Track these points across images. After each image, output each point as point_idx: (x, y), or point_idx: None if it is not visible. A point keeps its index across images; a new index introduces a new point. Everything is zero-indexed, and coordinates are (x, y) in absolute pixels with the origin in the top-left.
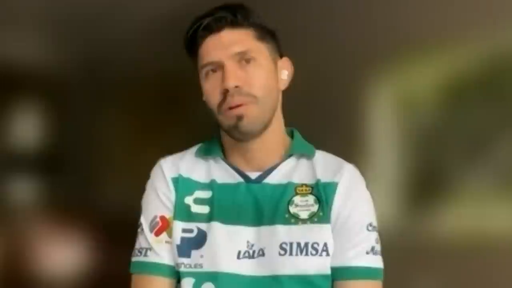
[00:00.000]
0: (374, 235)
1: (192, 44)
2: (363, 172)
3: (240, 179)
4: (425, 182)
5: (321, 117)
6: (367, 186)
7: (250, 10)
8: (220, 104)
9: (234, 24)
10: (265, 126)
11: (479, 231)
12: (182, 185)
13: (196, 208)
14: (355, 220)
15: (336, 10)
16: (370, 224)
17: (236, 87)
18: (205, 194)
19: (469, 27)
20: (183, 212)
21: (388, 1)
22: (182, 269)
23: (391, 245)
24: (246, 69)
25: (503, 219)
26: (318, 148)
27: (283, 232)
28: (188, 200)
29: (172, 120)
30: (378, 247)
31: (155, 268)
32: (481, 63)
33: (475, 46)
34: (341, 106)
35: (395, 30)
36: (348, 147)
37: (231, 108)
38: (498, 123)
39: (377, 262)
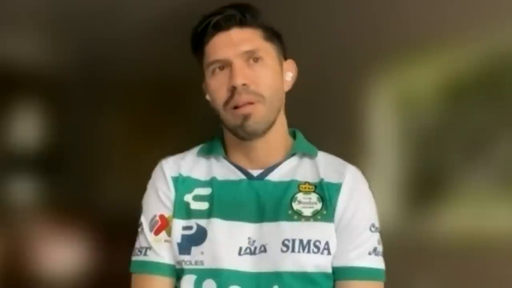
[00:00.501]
0: (376, 236)
1: (199, 42)
2: (363, 172)
3: (242, 176)
4: (425, 182)
5: (321, 117)
6: (369, 187)
7: (258, 10)
8: (226, 102)
9: (243, 23)
10: (270, 126)
11: (479, 231)
12: (182, 184)
13: (195, 205)
14: (358, 221)
15: (336, 11)
16: (373, 225)
17: (244, 85)
18: (205, 191)
19: (469, 27)
20: (182, 210)
21: (388, 1)
22: (183, 266)
23: (391, 245)
24: (254, 68)
25: (503, 219)
26: (319, 148)
27: (286, 229)
28: (188, 197)
29: (172, 120)
30: (380, 248)
31: (155, 267)
32: (481, 63)
33: (475, 46)
34: (341, 106)
35: (395, 30)
36: (348, 147)
37: (237, 107)
38: (498, 123)
39: (379, 263)
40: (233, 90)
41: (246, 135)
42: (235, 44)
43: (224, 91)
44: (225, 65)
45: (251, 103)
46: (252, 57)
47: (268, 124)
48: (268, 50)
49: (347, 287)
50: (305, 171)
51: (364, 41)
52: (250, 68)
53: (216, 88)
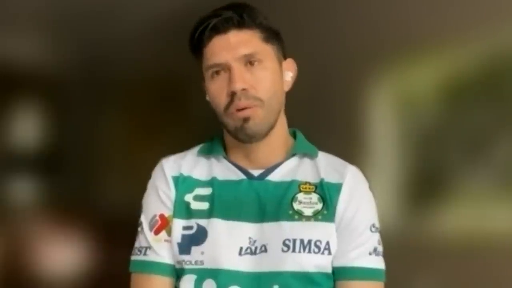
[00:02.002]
0: (376, 236)
1: (197, 44)
2: (363, 172)
3: (243, 176)
4: (425, 182)
5: (321, 117)
6: (369, 187)
7: (256, 10)
8: (227, 106)
9: (241, 25)
10: (270, 129)
11: (479, 231)
12: (182, 184)
13: (195, 205)
14: (359, 221)
15: (336, 10)
16: (373, 225)
17: (243, 89)
18: (205, 191)
19: (469, 27)
20: (182, 210)
21: (388, 1)
22: (183, 266)
23: (391, 245)
24: (253, 72)
25: (503, 219)
26: (319, 148)
27: (287, 228)
28: (188, 197)
29: (172, 120)
30: (380, 248)
31: (155, 267)
32: (481, 63)
33: (475, 46)
34: (341, 106)
35: (395, 30)
36: (348, 147)
37: (237, 110)
38: (498, 123)
39: (379, 263)
40: (232, 95)
41: (246, 138)
42: (233, 48)
43: (224, 96)
44: (224, 69)
45: (250, 107)
46: (251, 60)
47: (268, 126)
48: (267, 52)
49: (347, 287)
50: (305, 171)
51: (364, 41)
52: (249, 71)
53: (216, 92)
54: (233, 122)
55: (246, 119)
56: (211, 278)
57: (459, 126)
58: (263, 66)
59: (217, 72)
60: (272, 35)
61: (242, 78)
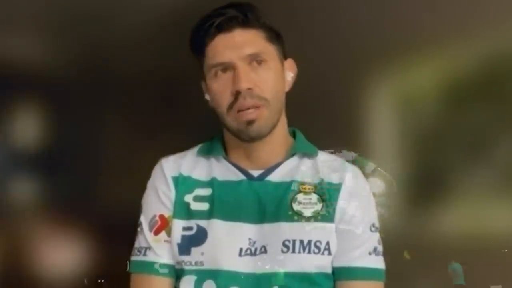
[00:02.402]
0: (376, 236)
1: (199, 42)
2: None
3: (242, 177)
4: (425, 182)
5: (321, 117)
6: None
7: (259, 9)
8: (230, 106)
9: (246, 24)
10: (273, 128)
11: (479, 231)
12: (182, 184)
13: (195, 206)
14: (359, 221)
15: (336, 11)
16: (373, 225)
17: (249, 89)
18: (205, 192)
19: (469, 27)
20: (182, 211)
21: (388, 1)
22: (183, 267)
23: (391, 245)
24: (257, 71)
25: (503, 219)
26: (319, 148)
27: (286, 229)
28: (188, 198)
29: (172, 120)
30: (380, 248)
31: (154, 268)
32: (481, 63)
33: (475, 46)
34: (341, 106)
35: (395, 30)
36: (348, 147)
37: (241, 110)
38: (498, 123)
39: (379, 263)
40: (237, 94)
41: (249, 139)
42: (238, 47)
43: (228, 95)
44: (228, 67)
45: (256, 107)
46: (256, 59)
47: (272, 126)
48: (270, 52)
49: (347, 287)
50: (305, 171)
51: (364, 41)
52: (254, 71)
53: (220, 91)
54: (236, 123)
55: (250, 122)
56: (211, 279)
57: (459, 126)
58: (267, 65)
59: (221, 71)
60: (274, 35)
61: (247, 78)
